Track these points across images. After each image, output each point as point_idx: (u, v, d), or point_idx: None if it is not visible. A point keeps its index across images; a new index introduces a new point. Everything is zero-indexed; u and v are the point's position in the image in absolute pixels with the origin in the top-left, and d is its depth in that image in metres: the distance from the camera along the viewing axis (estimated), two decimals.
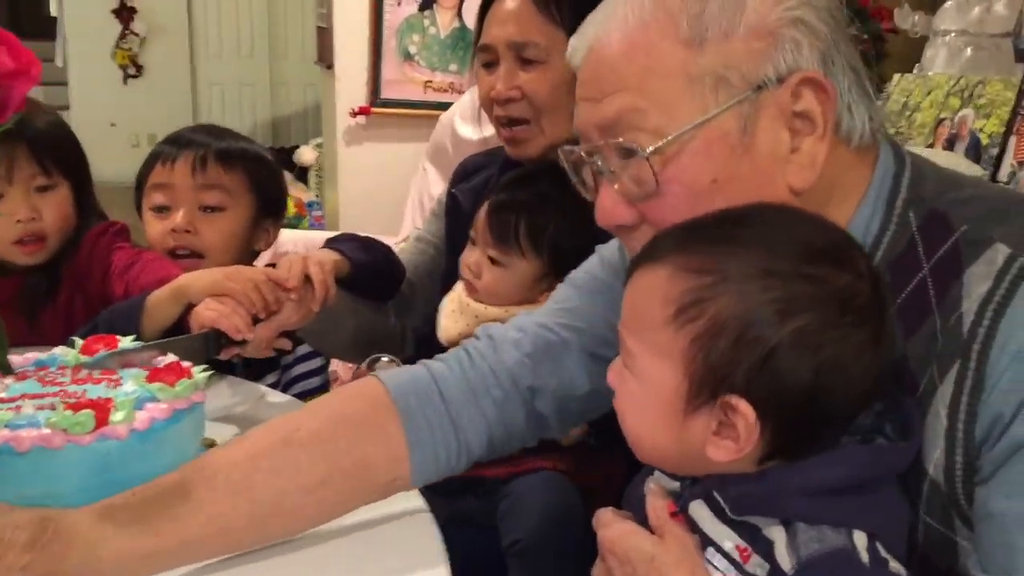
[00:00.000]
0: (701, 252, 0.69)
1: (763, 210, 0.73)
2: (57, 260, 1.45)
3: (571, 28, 1.37)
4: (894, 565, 0.66)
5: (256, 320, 1.20)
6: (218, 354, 1.17)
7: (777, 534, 0.66)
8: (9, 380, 0.95)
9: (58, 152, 1.44)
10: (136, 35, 6.64)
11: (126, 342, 1.04)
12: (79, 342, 1.03)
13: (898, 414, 0.72)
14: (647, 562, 0.70)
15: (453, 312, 1.40)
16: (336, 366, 2.19)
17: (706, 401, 0.68)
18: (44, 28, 6.97)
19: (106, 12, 6.54)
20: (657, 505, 0.73)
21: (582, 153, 0.83)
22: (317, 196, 4.89)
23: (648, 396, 0.71)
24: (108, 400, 0.88)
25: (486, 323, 1.34)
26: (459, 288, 1.41)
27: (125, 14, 6.61)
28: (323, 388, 1.56)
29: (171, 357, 1.01)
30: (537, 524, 1.20)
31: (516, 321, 1.01)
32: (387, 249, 1.48)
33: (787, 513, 0.66)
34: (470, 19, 3.73)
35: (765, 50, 0.75)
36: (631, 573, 0.72)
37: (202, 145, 1.41)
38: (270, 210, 1.49)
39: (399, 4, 3.51)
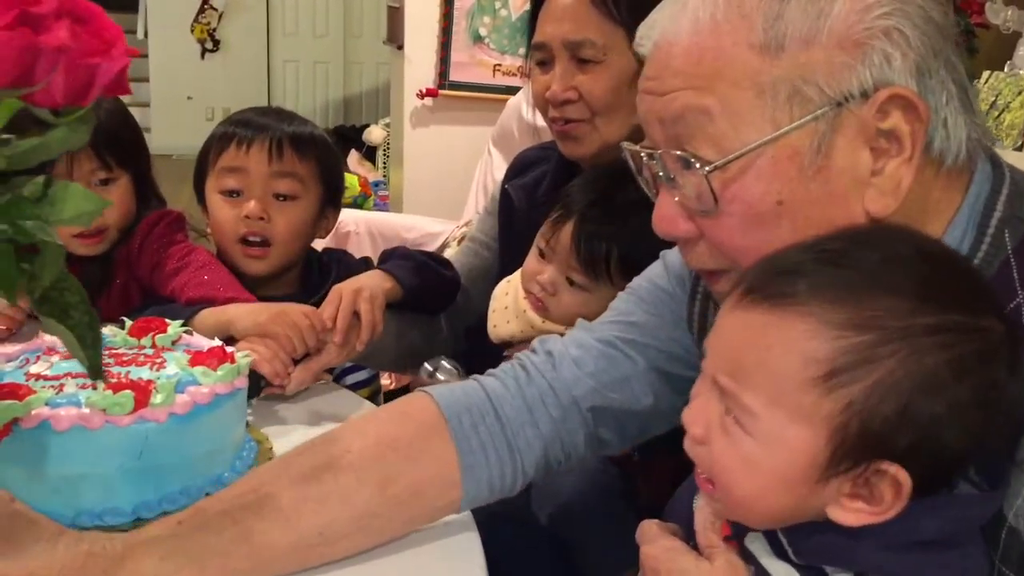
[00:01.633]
0: (848, 302, 0.61)
1: (892, 245, 0.65)
2: (111, 247, 1.45)
3: (630, 25, 1.30)
4: None
5: (297, 360, 1.20)
6: (257, 395, 1.16)
7: None
8: (55, 357, 0.95)
9: (119, 145, 1.43)
10: (215, 10, 6.74)
11: (175, 326, 1.03)
12: (128, 323, 1.03)
13: (984, 457, 0.66)
14: None
15: (506, 311, 1.35)
16: None
17: (849, 468, 0.61)
18: (128, 1, 7.13)
19: None
20: (708, 525, 0.69)
21: (643, 154, 0.78)
22: (384, 176, 4.91)
23: (772, 460, 0.63)
24: (150, 382, 0.87)
25: (543, 335, 1.32)
26: (515, 286, 1.35)
27: None
28: (373, 379, 1.55)
29: (216, 340, 1.00)
30: (572, 491, 1.18)
31: (576, 337, 0.95)
32: (441, 264, 1.45)
33: (862, 566, 0.62)
34: (528, 20, 3.67)
35: (850, 62, 0.67)
36: None
37: (274, 128, 1.39)
38: (333, 198, 1.48)
39: None
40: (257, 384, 1.15)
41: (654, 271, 0.98)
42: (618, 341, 0.93)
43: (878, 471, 0.60)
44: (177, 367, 0.93)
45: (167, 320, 1.04)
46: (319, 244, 2.82)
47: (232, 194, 1.40)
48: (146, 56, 6.81)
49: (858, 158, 0.69)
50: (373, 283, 1.29)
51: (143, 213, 1.47)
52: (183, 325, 1.06)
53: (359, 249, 2.97)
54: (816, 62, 0.68)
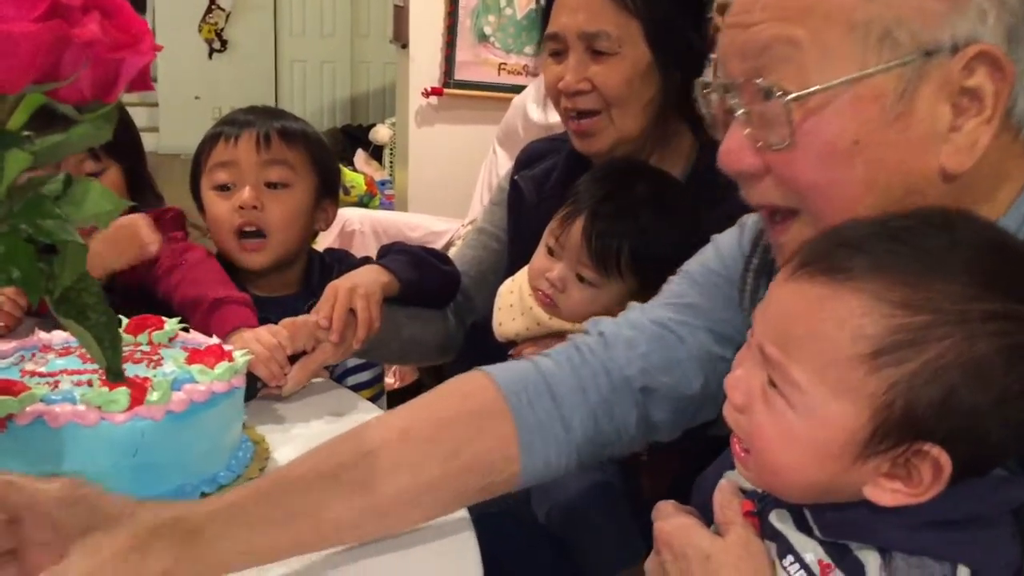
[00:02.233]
0: (905, 282, 0.60)
1: (957, 224, 0.64)
2: None
3: (644, 17, 1.32)
4: None
5: (294, 357, 1.20)
6: (253, 397, 1.16)
7: (871, 559, 0.61)
8: (50, 355, 0.95)
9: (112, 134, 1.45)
10: (222, 10, 6.75)
11: (172, 323, 1.03)
12: (124, 320, 1.03)
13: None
14: (703, 561, 0.67)
15: (511, 308, 1.35)
16: None
17: (890, 448, 0.60)
18: (135, 1, 7.17)
19: None
20: (728, 501, 0.69)
21: (714, 89, 0.77)
22: (391, 175, 4.91)
23: (812, 433, 0.62)
24: (146, 379, 0.88)
25: (549, 331, 1.29)
26: (520, 283, 1.35)
27: None
28: (377, 380, 1.55)
29: (214, 340, 1.00)
30: (572, 490, 1.18)
31: (629, 317, 0.96)
32: (440, 259, 1.45)
33: (886, 542, 0.61)
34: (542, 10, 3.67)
35: (945, 13, 0.67)
36: (685, 569, 0.68)
37: (262, 123, 1.40)
38: (329, 189, 1.48)
39: None
40: (253, 386, 1.15)
41: (706, 255, 0.98)
42: (671, 322, 0.93)
43: (919, 452, 0.60)
44: (174, 365, 0.93)
45: (163, 318, 1.04)
46: (323, 243, 2.82)
47: (224, 188, 1.40)
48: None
49: (939, 112, 0.68)
50: (369, 279, 1.29)
51: (138, 208, 1.48)
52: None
53: (364, 248, 2.97)
54: (911, 7, 0.67)
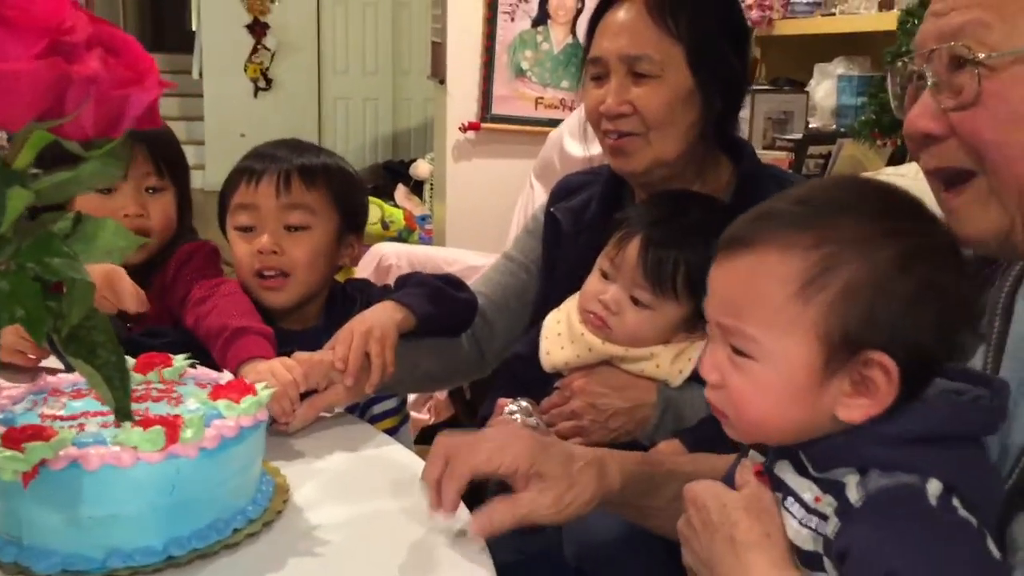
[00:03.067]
0: (809, 228, 0.72)
1: (839, 183, 0.78)
2: (147, 272, 1.49)
3: (688, 41, 1.33)
4: (964, 514, 0.67)
5: (306, 394, 1.20)
6: None
7: (851, 478, 0.70)
8: (65, 398, 0.96)
9: (171, 156, 1.51)
10: (267, 50, 6.90)
11: (180, 360, 1.04)
12: (131, 360, 1.03)
13: (997, 395, 0.74)
14: (720, 508, 0.76)
15: (560, 337, 1.33)
16: None
17: (842, 365, 0.70)
18: (184, 42, 7.34)
19: (240, 27, 6.82)
20: (742, 467, 0.79)
21: (913, 67, 0.84)
22: (430, 210, 4.96)
23: (778, 375, 0.72)
24: (176, 417, 0.88)
25: (600, 356, 1.29)
26: (568, 312, 1.34)
27: (258, 29, 6.88)
28: (401, 408, 1.55)
29: (227, 376, 1.01)
30: (607, 532, 1.16)
31: None
32: (456, 286, 1.45)
33: (864, 461, 0.70)
34: (584, 35, 3.69)
35: None
36: (706, 518, 0.78)
37: (284, 161, 1.41)
38: (353, 224, 1.49)
39: (512, 19, 3.52)
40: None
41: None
42: None
43: (867, 362, 0.69)
44: (197, 401, 0.94)
45: (171, 355, 1.05)
46: (362, 272, 2.81)
47: (246, 230, 1.42)
48: (201, 96, 6.99)
49: None
50: (384, 318, 1.30)
51: (180, 237, 1.52)
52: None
53: None
54: None
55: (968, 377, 0.75)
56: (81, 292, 0.70)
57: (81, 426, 0.89)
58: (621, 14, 1.35)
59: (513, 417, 1.30)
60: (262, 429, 0.97)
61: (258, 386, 0.97)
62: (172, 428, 0.86)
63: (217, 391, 0.95)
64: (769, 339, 0.72)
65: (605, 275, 1.29)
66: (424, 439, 2.99)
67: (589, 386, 1.29)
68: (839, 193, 0.75)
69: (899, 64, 0.87)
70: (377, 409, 1.51)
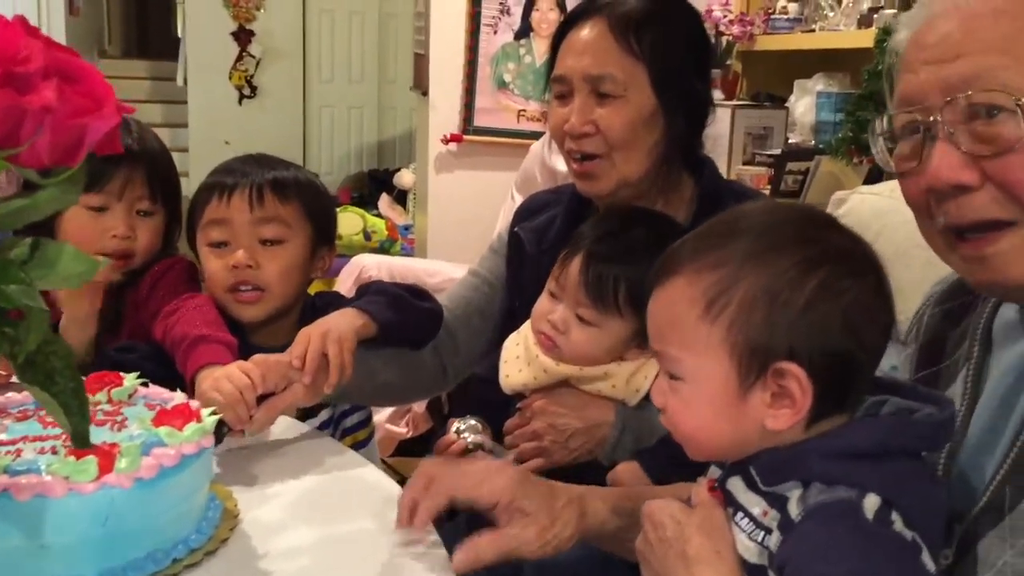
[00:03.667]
0: (709, 252, 0.76)
1: (741, 209, 0.81)
2: (121, 289, 1.47)
3: (651, 60, 1.33)
4: (899, 528, 0.69)
5: (264, 397, 1.19)
6: (219, 442, 1.14)
7: (794, 492, 0.72)
8: (8, 420, 0.94)
9: (167, 181, 1.51)
10: (253, 57, 6.86)
11: (130, 379, 1.02)
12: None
13: (943, 411, 0.77)
14: (675, 526, 0.79)
15: (518, 360, 1.34)
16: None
17: (757, 377, 0.74)
18: (169, 48, 7.31)
19: (225, 34, 6.77)
20: (699, 483, 0.82)
21: (906, 120, 0.83)
22: (414, 220, 4.94)
23: (702, 392, 0.77)
24: (113, 445, 0.86)
25: (557, 379, 1.29)
26: (526, 335, 1.34)
27: (243, 36, 6.84)
28: (366, 423, 1.53)
29: (180, 397, 0.98)
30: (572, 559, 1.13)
31: None
32: (419, 296, 1.43)
33: (808, 474, 0.72)
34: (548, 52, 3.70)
35: None
36: (661, 535, 0.80)
37: (255, 175, 1.40)
38: (325, 237, 1.48)
39: (495, 32, 3.50)
40: (221, 431, 1.13)
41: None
42: None
43: (778, 372, 0.73)
44: (140, 427, 0.91)
45: (121, 374, 1.02)
46: (340, 290, 2.82)
47: (219, 245, 1.40)
48: (185, 103, 6.96)
49: None
50: (343, 323, 1.28)
51: (164, 256, 1.51)
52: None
53: None
54: None
55: (919, 395, 0.79)
56: (37, 319, 0.70)
57: (18, 452, 0.87)
58: (585, 32, 1.34)
59: (462, 436, 1.30)
60: (207, 456, 0.94)
61: (203, 412, 0.94)
62: (106, 458, 0.84)
63: (161, 417, 0.92)
64: (689, 360, 0.77)
65: (553, 295, 1.29)
66: (402, 452, 2.98)
67: (548, 407, 1.29)
68: (742, 217, 0.80)
69: (884, 120, 0.86)
70: (348, 422, 1.50)
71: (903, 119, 0.84)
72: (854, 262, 0.75)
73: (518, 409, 1.34)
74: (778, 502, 0.73)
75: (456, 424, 1.33)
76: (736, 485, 0.78)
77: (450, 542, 0.98)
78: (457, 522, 1.22)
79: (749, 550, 0.75)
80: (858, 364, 0.75)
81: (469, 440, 1.30)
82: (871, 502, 0.69)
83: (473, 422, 1.33)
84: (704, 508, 0.79)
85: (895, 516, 0.70)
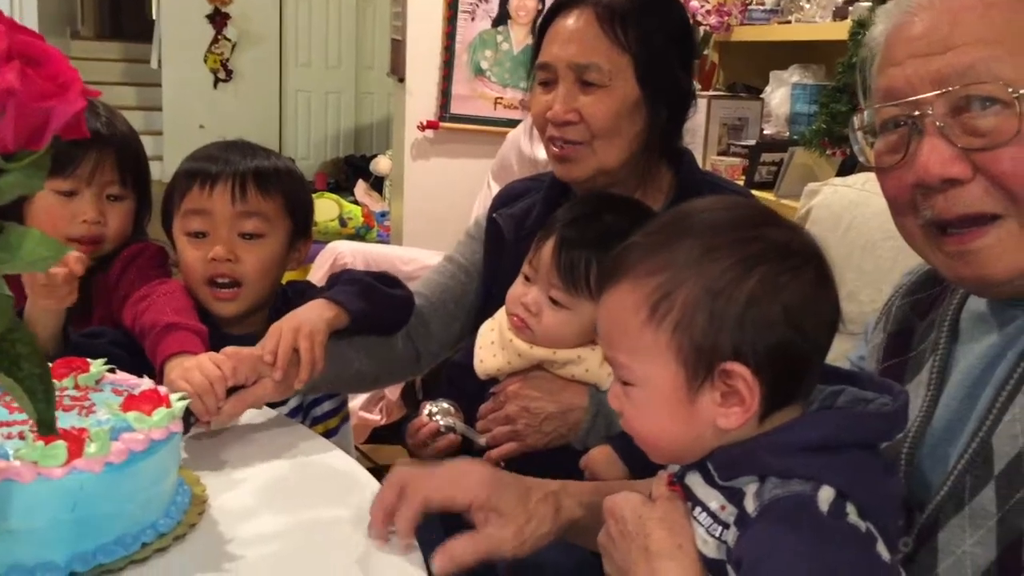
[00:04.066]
0: (649, 258, 0.76)
1: (680, 210, 0.80)
2: (90, 275, 1.46)
3: (636, 52, 1.34)
4: (854, 520, 0.70)
5: (233, 388, 1.18)
6: (187, 431, 1.14)
7: (750, 486, 0.73)
8: None
9: (137, 166, 1.50)
10: (228, 40, 6.81)
11: (97, 365, 1.01)
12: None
13: (896, 401, 0.77)
14: (636, 520, 0.79)
15: (492, 345, 1.34)
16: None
17: (704, 378, 0.74)
18: (143, 30, 7.23)
19: (200, 17, 6.72)
20: (658, 479, 0.83)
21: (888, 114, 0.82)
22: (390, 206, 4.92)
23: (653, 396, 0.77)
24: (82, 430, 0.86)
25: (531, 362, 1.30)
26: (500, 320, 1.35)
27: (219, 19, 6.78)
28: (340, 409, 1.53)
29: (147, 383, 0.98)
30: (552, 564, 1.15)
31: None
32: (390, 283, 1.43)
33: (763, 469, 0.72)
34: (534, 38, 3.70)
35: None
36: (623, 530, 0.80)
37: (237, 165, 1.38)
38: (303, 230, 1.47)
39: (473, 19, 3.49)
40: (188, 421, 1.13)
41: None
42: None
43: (723, 371, 0.73)
44: (108, 412, 0.91)
45: (88, 360, 1.02)
46: (314, 278, 2.80)
47: (198, 236, 1.38)
48: (159, 86, 6.88)
49: None
50: (313, 316, 1.28)
51: (133, 241, 1.50)
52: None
53: None
54: None
55: (874, 385, 0.79)
56: (2, 305, 0.69)
57: None
58: (571, 21, 1.35)
59: (434, 418, 1.30)
60: (175, 441, 0.94)
61: (172, 397, 0.94)
62: (76, 443, 0.83)
63: (129, 402, 0.92)
64: (637, 365, 0.77)
65: (527, 278, 1.30)
66: (375, 439, 2.98)
67: (522, 390, 1.30)
68: (681, 219, 0.79)
69: (864, 114, 0.86)
70: (318, 410, 1.50)
71: (887, 113, 0.83)
72: (792, 257, 0.74)
73: (492, 394, 1.34)
74: (735, 497, 0.73)
75: (428, 407, 1.33)
76: (694, 480, 0.78)
77: (422, 536, 0.98)
78: (430, 518, 1.22)
79: (708, 545, 0.75)
80: (804, 357, 0.74)
81: (441, 423, 1.31)
82: (825, 494, 0.70)
83: (445, 405, 1.33)
84: (665, 502, 0.79)
85: (849, 508, 0.70)
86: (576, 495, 1.00)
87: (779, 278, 0.73)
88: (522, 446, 1.29)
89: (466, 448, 1.35)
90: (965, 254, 0.81)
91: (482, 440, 1.31)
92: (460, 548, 0.93)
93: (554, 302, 1.26)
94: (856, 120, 0.88)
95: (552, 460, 1.25)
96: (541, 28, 1.40)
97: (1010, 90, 0.75)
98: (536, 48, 1.41)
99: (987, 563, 0.77)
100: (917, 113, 0.80)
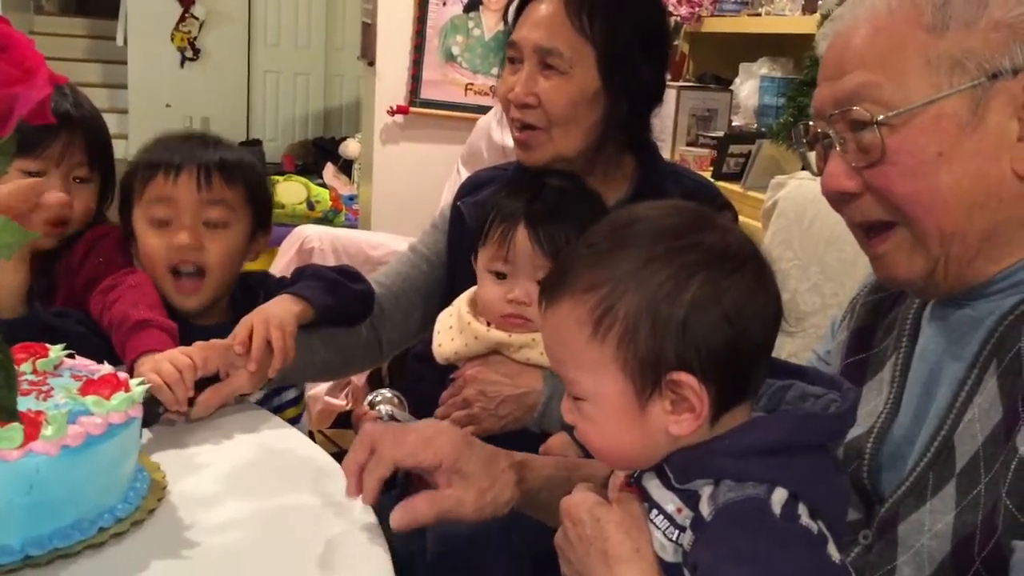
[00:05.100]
0: (588, 273, 0.76)
1: (619, 218, 0.80)
2: (54, 257, 1.44)
3: (600, 43, 1.35)
4: (806, 521, 0.71)
5: (206, 382, 1.18)
6: (155, 422, 1.14)
7: (705, 489, 0.73)
8: None
9: (103, 148, 1.49)
10: (196, 19, 6.70)
11: (56, 350, 1.00)
12: None
13: (845, 401, 0.78)
14: (594, 523, 0.79)
15: (451, 329, 1.36)
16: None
17: (653, 389, 0.74)
18: (109, 6, 7.09)
19: None
20: (614, 480, 0.82)
21: (816, 129, 0.89)
22: (359, 190, 4.89)
23: (604, 410, 0.76)
24: (39, 413, 0.84)
25: (489, 344, 1.32)
26: (459, 306, 1.36)
27: None
28: (300, 399, 1.53)
29: (106, 368, 0.97)
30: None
31: None
32: (352, 278, 1.44)
33: (718, 472, 0.73)
34: (511, 18, 3.69)
35: (1004, 42, 0.80)
36: (581, 532, 0.80)
37: (202, 155, 1.38)
38: (262, 222, 1.48)
39: (444, 4, 3.47)
40: (155, 411, 1.12)
41: None
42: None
43: (671, 381, 0.73)
44: (66, 396, 0.90)
45: (47, 345, 1.01)
46: (280, 262, 2.77)
47: (162, 224, 1.38)
48: (124, 63, 6.77)
49: (1008, 125, 0.81)
50: (282, 310, 1.29)
51: (96, 223, 1.49)
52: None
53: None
54: (975, 40, 0.80)
55: (823, 380, 0.80)
56: None
57: None
58: (543, 6, 1.37)
59: (376, 407, 1.33)
60: (135, 426, 0.93)
61: (132, 382, 0.93)
62: (32, 425, 0.82)
63: (88, 386, 0.91)
64: (585, 380, 0.77)
65: (500, 275, 1.30)
66: (340, 424, 2.97)
67: (481, 374, 1.32)
68: (620, 227, 0.78)
69: (801, 127, 0.92)
70: (277, 401, 1.49)
71: (813, 129, 0.91)
72: (729, 260, 0.74)
73: (451, 380, 1.36)
74: (691, 500, 0.74)
75: (371, 396, 1.37)
76: (651, 482, 0.78)
77: (387, 510, 0.98)
78: (393, 495, 1.23)
79: (665, 548, 0.75)
80: (749, 357, 0.75)
81: (382, 410, 1.35)
82: (778, 496, 0.70)
83: (388, 394, 1.37)
84: (622, 504, 0.79)
85: (801, 508, 0.71)
86: (540, 468, 1.02)
87: (718, 283, 0.73)
88: (478, 430, 1.30)
89: None
90: (875, 257, 0.89)
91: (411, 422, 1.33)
92: (420, 505, 0.94)
93: None
94: (799, 132, 0.94)
95: (510, 445, 1.26)
96: (517, 9, 1.42)
97: (881, 116, 0.81)
98: (511, 27, 1.43)
99: (943, 555, 0.79)
100: (827, 131, 0.87)
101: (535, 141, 1.37)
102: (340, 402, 2.93)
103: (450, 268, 1.51)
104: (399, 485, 1.09)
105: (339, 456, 1.14)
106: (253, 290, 1.47)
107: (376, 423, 1.01)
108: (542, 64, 1.35)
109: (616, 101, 1.36)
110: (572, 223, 1.26)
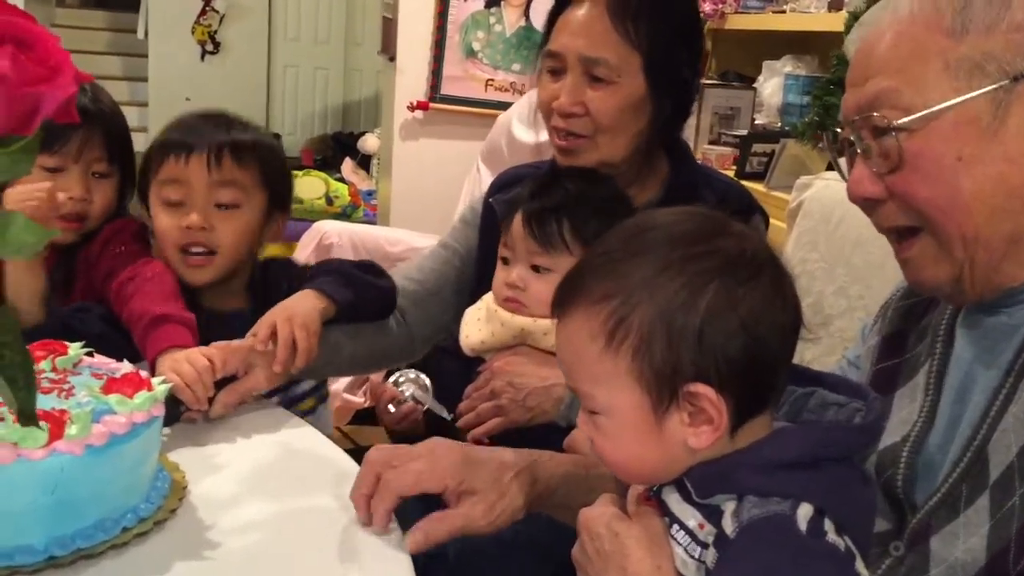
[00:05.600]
0: (600, 283, 0.74)
1: (633, 225, 0.78)
2: (73, 251, 1.45)
3: (645, 49, 1.33)
4: (833, 538, 0.69)
5: (224, 381, 1.18)
6: (176, 421, 1.13)
7: (729, 504, 0.71)
8: None
9: (122, 143, 1.50)
10: (216, 12, 6.71)
11: (75, 348, 1.00)
12: None
13: (870, 412, 0.76)
14: (612, 538, 0.77)
15: (478, 320, 1.37)
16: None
17: (670, 401, 0.72)
18: (130, 0, 7.12)
19: None
20: (633, 494, 0.80)
21: (844, 135, 0.88)
22: (377, 185, 4.88)
23: (621, 424, 0.75)
24: (63, 412, 0.84)
25: (514, 332, 1.32)
26: (487, 300, 1.37)
27: None
28: (319, 388, 1.53)
29: (127, 366, 0.96)
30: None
31: None
32: (375, 273, 1.43)
33: (741, 487, 0.71)
34: (537, 19, 3.69)
35: None
36: (599, 547, 0.78)
37: (215, 136, 1.37)
38: (279, 202, 1.47)
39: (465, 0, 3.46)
40: (176, 410, 1.12)
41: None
42: None
43: (688, 393, 0.71)
44: (89, 394, 0.89)
45: (66, 343, 1.00)
46: (299, 256, 2.78)
47: (174, 205, 1.38)
48: (145, 56, 6.79)
49: None
50: (306, 307, 1.28)
51: (116, 215, 1.50)
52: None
53: None
54: (996, 43, 0.79)
55: (845, 388, 0.78)
56: None
57: None
58: (582, 12, 1.34)
59: (400, 387, 1.32)
60: (156, 425, 0.93)
61: (154, 381, 0.92)
62: (57, 424, 0.82)
63: (110, 385, 0.90)
64: (600, 394, 0.75)
65: (505, 261, 1.33)
66: (358, 420, 2.97)
67: (507, 366, 1.32)
68: (632, 235, 0.76)
69: (830, 134, 0.92)
70: (296, 390, 1.49)
71: (842, 135, 0.90)
72: (744, 267, 0.72)
73: (479, 372, 1.35)
74: (713, 515, 0.72)
75: (395, 376, 1.38)
76: (671, 496, 0.77)
77: (402, 517, 0.98)
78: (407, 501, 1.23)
79: (687, 565, 0.73)
80: (768, 367, 0.73)
81: (406, 393, 1.39)
82: (804, 512, 0.69)
83: (413, 375, 1.39)
84: (641, 518, 0.77)
85: (828, 524, 0.69)
86: (552, 466, 1.01)
87: (734, 291, 0.71)
88: (506, 421, 1.30)
89: (440, 425, 1.37)
90: (904, 262, 0.88)
91: (446, 414, 1.33)
92: (434, 526, 0.94)
93: (536, 269, 1.29)
94: (826, 139, 0.95)
95: (536, 437, 1.25)
96: (552, 15, 1.40)
97: (898, 121, 0.81)
98: (546, 34, 1.40)
99: (976, 569, 0.77)
100: (853, 137, 0.86)
101: (580, 149, 1.36)
102: (358, 399, 2.93)
103: (481, 264, 1.50)
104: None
105: (355, 453, 1.14)
106: (275, 277, 1.46)
107: (379, 446, 1.00)
108: (587, 73, 1.33)
109: (661, 105, 1.36)
110: (568, 210, 1.27)
